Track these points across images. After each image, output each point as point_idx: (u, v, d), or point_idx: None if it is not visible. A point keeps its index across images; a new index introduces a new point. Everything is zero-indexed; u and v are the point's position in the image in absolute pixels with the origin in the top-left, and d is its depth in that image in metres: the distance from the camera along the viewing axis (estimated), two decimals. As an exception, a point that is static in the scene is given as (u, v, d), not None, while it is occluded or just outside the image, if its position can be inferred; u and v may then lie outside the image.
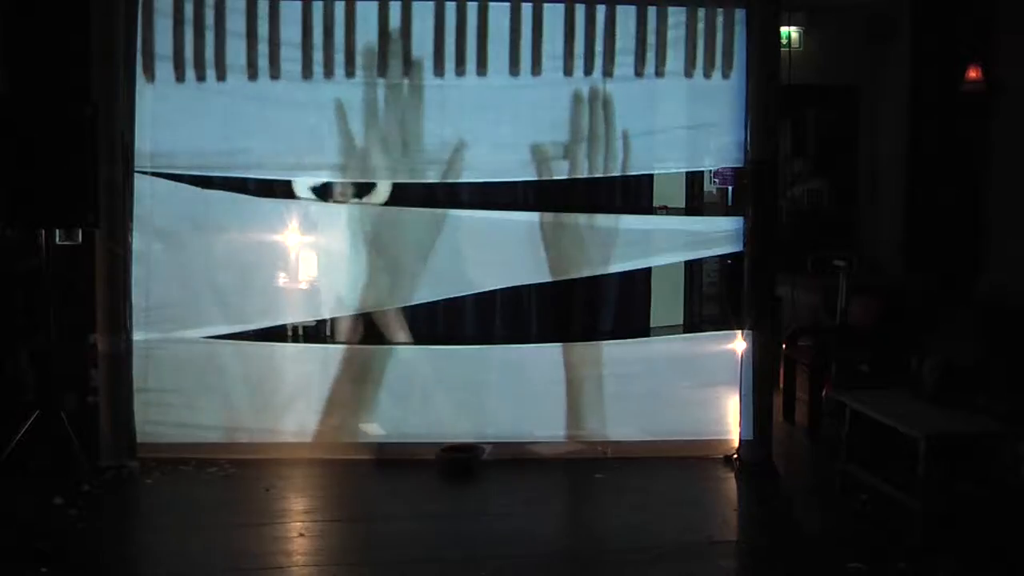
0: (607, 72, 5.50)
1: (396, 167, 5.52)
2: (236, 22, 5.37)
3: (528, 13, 5.45)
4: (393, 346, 5.71)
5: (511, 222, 5.65)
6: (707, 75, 5.54)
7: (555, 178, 5.59)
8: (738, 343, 5.61)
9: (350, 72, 5.42)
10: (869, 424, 5.01)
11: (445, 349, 5.74)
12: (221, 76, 5.38)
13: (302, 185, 5.63)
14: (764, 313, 5.59)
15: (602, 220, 5.67)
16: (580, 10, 5.46)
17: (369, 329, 5.98)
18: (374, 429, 5.62)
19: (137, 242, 5.39)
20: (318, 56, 5.39)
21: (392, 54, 5.44)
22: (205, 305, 5.53)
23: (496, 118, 5.52)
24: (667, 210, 6.21)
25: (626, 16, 5.49)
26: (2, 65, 5.95)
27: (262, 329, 5.63)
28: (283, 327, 5.74)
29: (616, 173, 5.68)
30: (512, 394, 5.65)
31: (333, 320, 5.99)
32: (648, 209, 6.12)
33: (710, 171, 6.32)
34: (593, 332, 5.96)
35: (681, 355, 5.78)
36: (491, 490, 5.21)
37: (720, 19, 5.50)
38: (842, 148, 8.72)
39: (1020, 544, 4.39)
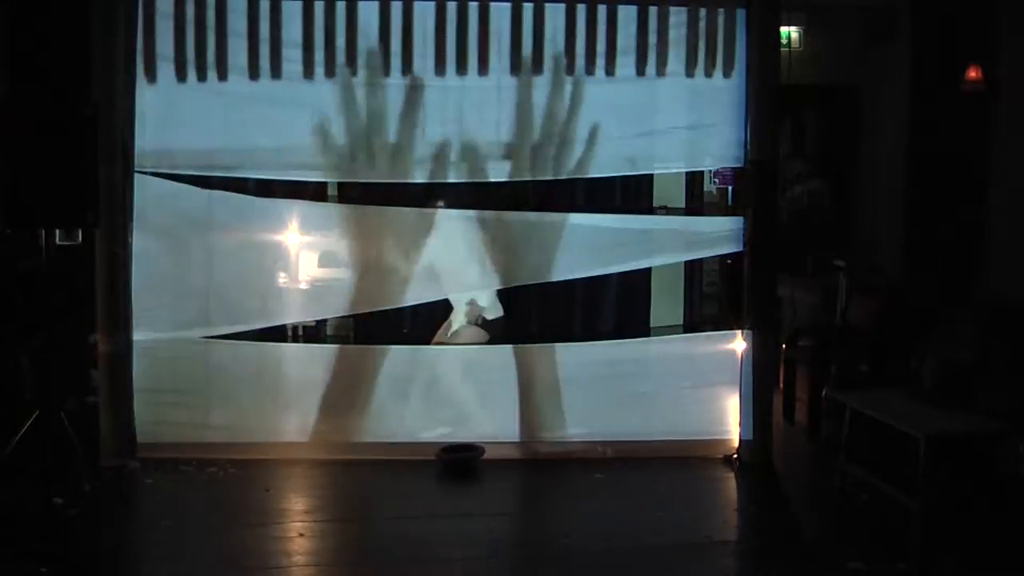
0: (609, 72, 5.50)
1: (395, 167, 5.51)
2: (238, 22, 5.37)
3: (529, 13, 5.45)
4: (391, 346, 5.70)
5: (504, 221, 5.64)
6: (708, 75, 5.53)
7: (557, 177, 5.59)
8: (738, 343, 5.61)
9: (353, 72, 5.42)
10: (869, 424, 5.01)
11: (445, 348, 5.73)
12: (222, 76, 5.38)
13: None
14: (764, 313, 5.58)
15: (601, 220, 5.67)
16: (581, 10, 5.46)
17: (364, 329, 5.98)
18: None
19: (137, 242, 5.39)
20: (320, 56, 5.39)
21: (393, 54, 5.44)
22: (205, 305, 5.53)
23: (495, 117, 5.50)
24: (667, 210, 6.22)
25: (627, 16, 5.49)
26: (2, 65, 5.94)
27: (262, 329, 5.62)
28: (283, 327, 5.74)
29: (616, 173, 5.68)
30: (511, 394, 5.64)
31: (329, 320, 5.99)
32: (648, 209, 6.12)
33: (710, 171, 6.34)
34: (592, 332, 5.97)
35: (681, 355, 5.78)
36: (491, 490, 5.21)
37: (721, 19, 5.50)
38: (842, 148, 8.71)
39: (1020, 543, 4.39)
